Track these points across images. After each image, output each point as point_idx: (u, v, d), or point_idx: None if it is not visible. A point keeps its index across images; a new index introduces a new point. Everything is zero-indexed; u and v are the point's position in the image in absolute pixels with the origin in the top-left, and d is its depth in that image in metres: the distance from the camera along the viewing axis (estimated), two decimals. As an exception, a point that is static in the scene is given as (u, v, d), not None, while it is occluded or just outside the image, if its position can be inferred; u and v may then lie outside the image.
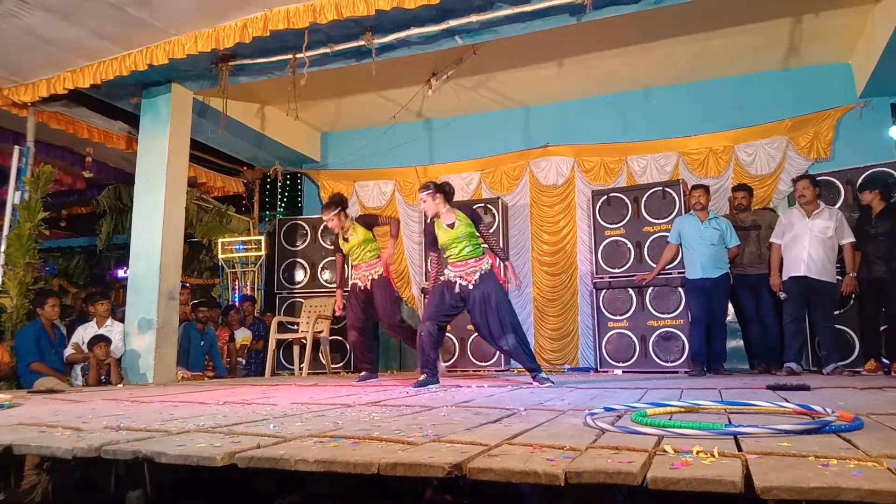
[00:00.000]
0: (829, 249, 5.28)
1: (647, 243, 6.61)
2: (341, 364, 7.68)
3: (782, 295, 5.47)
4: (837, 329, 5.54)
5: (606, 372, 6.54)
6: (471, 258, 4.52)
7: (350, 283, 5.50)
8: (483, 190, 8.10)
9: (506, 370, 6.94)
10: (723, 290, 5.73)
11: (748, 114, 7.06)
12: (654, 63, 7.00)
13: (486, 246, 4.69)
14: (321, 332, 7.12)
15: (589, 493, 1.69)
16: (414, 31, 5.42)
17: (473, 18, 5.26)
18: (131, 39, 5.75)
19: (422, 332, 4.54)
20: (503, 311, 4.38)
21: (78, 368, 5.89)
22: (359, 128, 8.73)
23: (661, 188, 6.72)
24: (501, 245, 7.31)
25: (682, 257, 6.06)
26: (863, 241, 5.41)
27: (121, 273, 11.33)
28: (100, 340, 5.70)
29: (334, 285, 7.79)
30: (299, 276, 8.00)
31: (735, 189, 6.29)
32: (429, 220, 4.72)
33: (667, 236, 6.22)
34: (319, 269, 7.95)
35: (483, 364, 7.05)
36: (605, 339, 6.68)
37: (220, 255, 8.75)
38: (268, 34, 5.33)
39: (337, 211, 5.32)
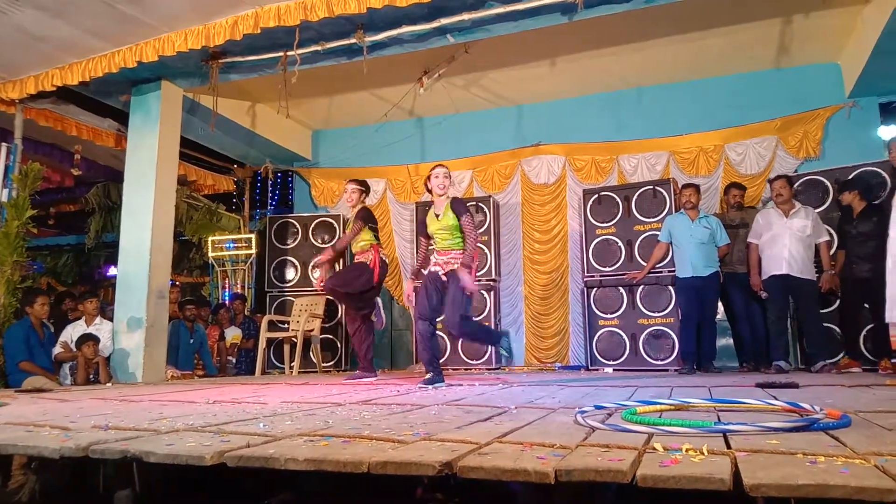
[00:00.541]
0: (808, 248, 5.35)
1: (638, 242, 6.63)
2: (332, 363, 7.67)
3: (763, 294, 5.56)
4: (825, 327, 5.58)
5: (597, 370, 6.57)
6: (453, 250, 4.50)
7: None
8: (475, 188, 8.10)
9: (497, 368, 6.95)
10: (713, 288, 5.76)
11: (738, 113, 7.10)
12: (646, 62, 7.02)
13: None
14: (312, 330, 7.10)
15: (579, 490, 1.69)
16: (406, 29, 5.42)
17: (465, 17, 5.26)
18: (122, 36, 5.71)
19: (418, 332, 4.52)
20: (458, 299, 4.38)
21: (67, 367, 5.85)
22: (350, 126, 8.72)
23: (651, 187, 6.75)
24: (491, 243, 7.31)
25: (672, 256, 6.09)
26: (844, 242, 5.48)
27: (110, 271, 11.26)
28: (88, 339, 5.67)
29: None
30: (290, 274, 7.98)
31: (730, 187, 6.33)
32: (424, 208, 4.67)
33: (657, 235, 6.24)
34: (310, 267, 7.92)
35: (474, 362, 7.05)
36: (595, 338, 6.70)
37: (211, 254, 8.71)
38: (259, 32, 5.31)
39: (362, 188, 5.32)
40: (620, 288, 6.63)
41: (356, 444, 1.68)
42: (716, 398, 2.62)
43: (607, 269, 6.77)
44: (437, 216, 4.54)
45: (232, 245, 8.70)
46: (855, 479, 1.16)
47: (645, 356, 6.42)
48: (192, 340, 6.91)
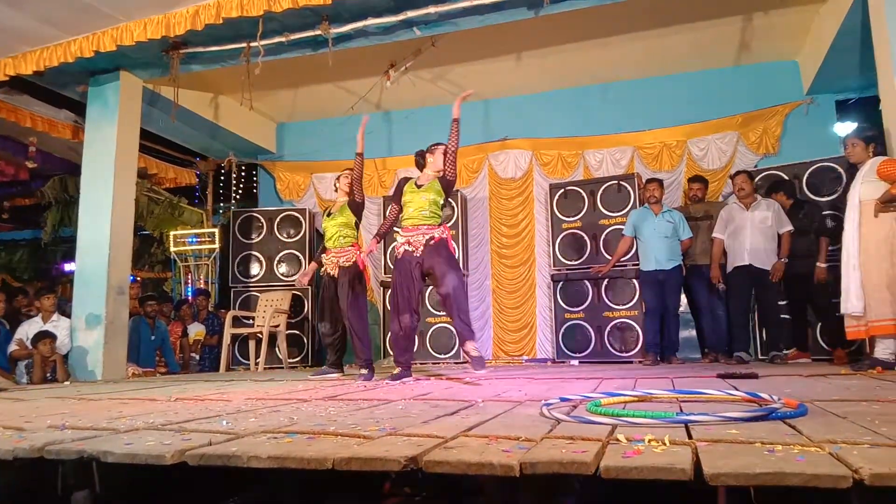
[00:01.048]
0: (770, 239, 5.46)
1: (604, 236, 6.71)
2: (298, 358, 7.60)
3: (721, 286, 5.67)
4: (783, 318, 5.73)
5: (563, 363, 6.64)
6: (425, 225, 4.17)
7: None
8: (442, 182, 8.08)
9: (465, 362, 6.96)
10: (676, 281, 5.86)
11: (701, 109, 7.23)
12: (610, 58, 7.09)
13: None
14: (278, 326, 7.02)
15: (545, 483, 1.71)
16: (372, 21, 5.37)
17: (431, 10, 5.24)
18: (78, 25, 5.54)
19: (400, 328, 4.14)
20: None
21: (22, 366, 5.68)
22: (316, 119, 8.62)
23: (616, 182, 6.83)
24: (459, 238, 7.31)
25: (636, 250, 6.17)
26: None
27: (67, 267, 10.97)
28: (44, 337, 5.51)
29: (292, 279, 7.73)
30: (255, 269, 7.86)
31: (691, 180, 6.42)
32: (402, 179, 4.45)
33: (622, 229, 6.32)
34: (275, 262, 7.83)
35: (442, 356, 7.06)
36: (562, 331, 6.77)
37: (173, 249, 8.55)
38: (221, 22, 5.20)
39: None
40: (586, 281, 6.70)
41: (321, 441, 1.67)
42: (678, 389, 2.67)
43: (573, 262, 6.83)
44: (419, 186, 4.25)
45: (195, 240, 8.54)
46: (810, 467, 1.19)
47: (610, 348, 6.51)
48: (153, 337, 6.78)
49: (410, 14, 5.30)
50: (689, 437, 1.54)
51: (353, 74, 7.17)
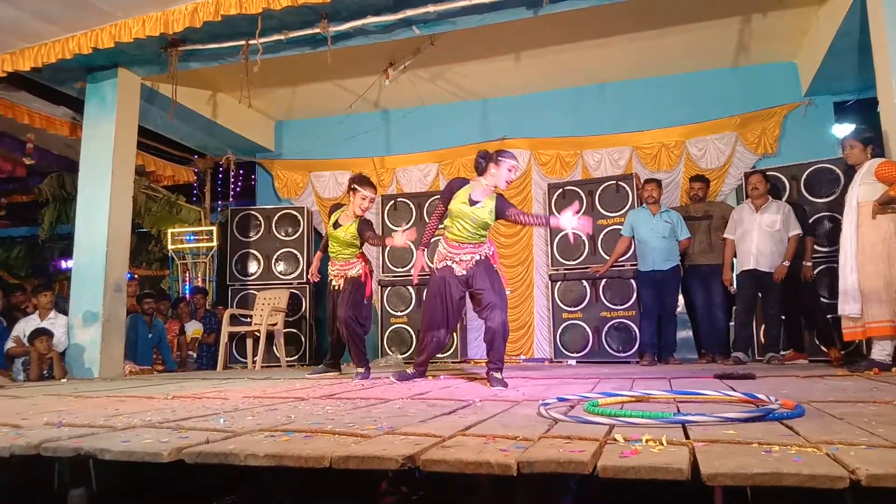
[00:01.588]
0: (778, 242, 5.45)
1: (601, 236, 6.71)
2: (296, 357, 7.59)
3: (732, 288, 5.70)
4: (783, 319, 5.73)
5: (561, 362, 6.64)
6: (471, 244, 3.86)
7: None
8: (441, 182, 8.07)
9: (463, 361, 6.97)
10: (674, 281, 5.87)
11: (699, 110, 7.23)
12: (608, 59, 7.08)
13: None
14: (275, 324, 7.01)
15: (542, 482, 1.71)
16: (371, 19, 5.37)
17: (430, 9, 5.23)
18: (75, 22, 5.53)
19: (436, 339, 3.93)
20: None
21: (19, 363, 5.68)
22: (314, 117, 8.60)
23: (615, 182, 6.83)
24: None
25: (634, 250, 6.18)
26: None
27: (64, 264, 10.96)
28: (41, 334, 5.51)
29: (290, 277, 7.72)
30: (252, 267, 7.85)
31: (692, 179, 6.42)
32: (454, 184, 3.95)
33: (620, 229, 6.32)
34: (273, 260, 7.82)
35: (441, 356, 7.05)
36: (559, 331, 6.78)
37: (170, 246, 8.52)
38: (219, 19, 5.19)
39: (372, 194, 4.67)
40: (584, 281, 6.71)
41: (318, 439, 1.67)
42: (676, 390, 2.67)
43: (571, 262, 6.84)
44: (474, 202, 3.78)
45: (192, 237, 8.52)
46: (807, 468, 1.19)
47: (608, 348, 6.51)
48: (150, 335, 6.77)
49: (409, 13, 5.29)
50: (687, 437, 1.54)
51: (351, 73, 7.16)
